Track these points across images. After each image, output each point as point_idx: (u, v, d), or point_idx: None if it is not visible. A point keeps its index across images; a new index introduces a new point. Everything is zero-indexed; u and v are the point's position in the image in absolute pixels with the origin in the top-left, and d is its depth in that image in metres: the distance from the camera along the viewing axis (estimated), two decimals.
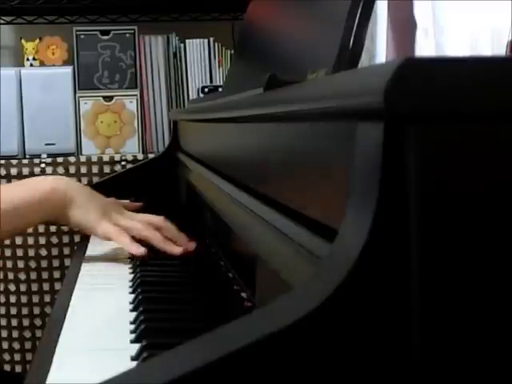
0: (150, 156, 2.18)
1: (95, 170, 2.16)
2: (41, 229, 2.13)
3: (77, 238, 2.03)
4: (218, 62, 2.26)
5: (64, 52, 2.26)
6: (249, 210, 0.85)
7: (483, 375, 0.43)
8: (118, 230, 1.13)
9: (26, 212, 1.14)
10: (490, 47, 1.65)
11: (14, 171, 2.13)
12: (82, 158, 2.17)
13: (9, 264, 2.15)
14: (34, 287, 2.18)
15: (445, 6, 1.73)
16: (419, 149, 0.42)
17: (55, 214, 1.16)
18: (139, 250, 1.12)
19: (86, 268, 1.16)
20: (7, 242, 2.09)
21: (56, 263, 2.16)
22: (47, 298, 2.18)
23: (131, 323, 0.87)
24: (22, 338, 2.18)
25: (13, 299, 2.17)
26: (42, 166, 2.14)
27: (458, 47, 1.71)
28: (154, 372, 0.43)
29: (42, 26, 2.32)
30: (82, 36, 2.23)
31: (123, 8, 2.30)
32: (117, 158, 2.18)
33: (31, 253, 2.15)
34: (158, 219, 1.21)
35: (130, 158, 2.19)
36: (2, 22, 2.34)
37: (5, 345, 2.18)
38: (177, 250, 1.18)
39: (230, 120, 1.01)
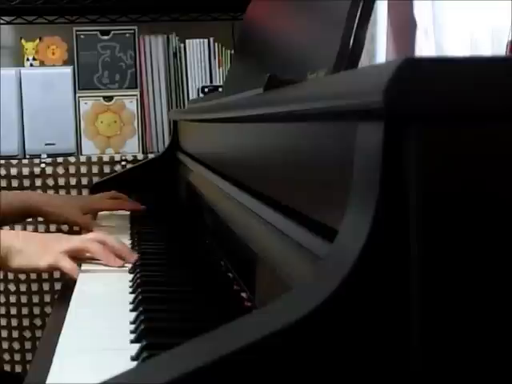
0: (150, 156, 2.18)
1: (95, 170, 2.16)
2: (41, 229, 2.13)
3: None
4: (218, 62, 2.26)
5: (64, 52, 2.26)
6: (249, 209, 0.85)
7: (483, 375, 0.43)
8: (56, 257, 1.14)
9: None
10: (490, 47, 1.65)
11: (13, 171, 2.13)
12: (82, 158, 2.17)
13: None
14: (34, 287, 2.18)
15: (445, 5, 1.73)
16: (419, 149, 0.42)
17: None
18: (77, 273, 1.13)
19: (85, 268, 1.16)
20: None
21: None
22: (47, 298, 2.18)
23: (131, 323, 0.87)
24: (22, 337, 2.19)
25: (13, 299, 2.17)
26: (42, 165, 2.14)
27: (457, 47, 1.70)
28: (154, 372, 0.43)
29: (42, 26, 2.33)
30: (82, 36, 2.23)
31: (123, 8, 2.30)
32: (117, 158, 2.18)
33: None
34: (97, 235, 1.22)
35: (130, 158, 2.19)
36: (2, 22, 2.34)
37: (5, 345, 2.19)
38: (117, 262, 1.18)
39: (230, 120, 1.01)
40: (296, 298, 0.45)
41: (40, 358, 0.79)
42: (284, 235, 0.67)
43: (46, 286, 2.18)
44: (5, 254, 1.14)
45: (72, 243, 1.16)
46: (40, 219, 2.09)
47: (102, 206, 1.74)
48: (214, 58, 2.26)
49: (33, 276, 2.17)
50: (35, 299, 2.18)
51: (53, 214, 1.61)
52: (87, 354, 0.78)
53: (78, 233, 1.60)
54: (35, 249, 1.14)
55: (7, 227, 1.93)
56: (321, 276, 0.45)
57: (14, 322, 2.18)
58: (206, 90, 2.15)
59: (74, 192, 2.15)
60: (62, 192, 2.15)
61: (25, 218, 1.75)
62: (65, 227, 2.14)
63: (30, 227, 2.12)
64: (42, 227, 2.13)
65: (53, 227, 2.13)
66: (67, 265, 1.12)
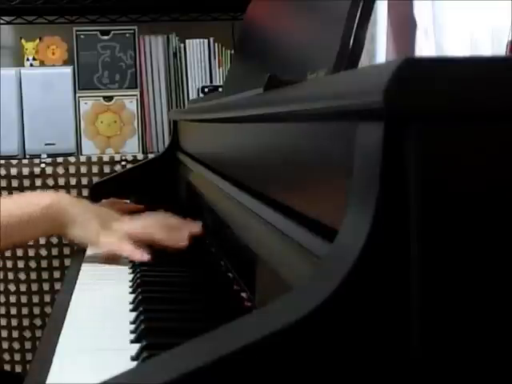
0: (150, 156, 2.18)
1: (95, 170, 2.16)
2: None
3: None
4: (218, 62, 2.26)
5: (64, 52, 2.26)
6: (249, 209, 0.85)
7: (483, 374, 0.43)
8: (119, 240, 1.13)
9: (26, 226, 1.13)
10: (490, 47, 1.65)
11: (13, 171, 2.13)
12: (82, 158, 2.17)
13: (9, 264, 2.15)
14: (34, 287, 2.18)
15: (445, 5, 1.73)
16: (419, 149, 0.42)
17: (54, 229, 1.16)
18: (143, 257, 1.12)
19: (85, 268, 1.16)
20: None
21: (56, 263, 2.17)
22: (47, 298, 2.18)
23: (131, 323, 0.87)
24: (22, 337, 2.18)
25: (13, 299, 2.17)
26: (42, 165, 2.14)
27: (457, 47, 1.70)
28: (154, 372, 0.43)
29: (42, 26, 2.33)
30: (82, 36, 2.23)
31: (123, 8, 2.30)
32: (117, 158, 2.18)
33: (31, 253, 2.15)
34: (158, 218, 1.21)
35: (130, 158, 2.19)
36: (2, 22, 2.34)
37: (5, 345, 2.19)
38: (181, 244, 1.17)
39: (230, 120, 1.01)
40: (296, 298, 0.45)
41: (40, 358, 0.79)
42: (284, 235, 0.67)
43: (46, 286, 2.18)
44: (66, 220, 1.12)
45: (134, 226, 1.14)
46: None
47: None
48: (214, 58, 2.26)
49: (33, 276, 2.17)
50: (35, 299, 2.18)
51: None
52: (87, 354, 0.78)
53: None
54: (93, 225, 1.12)
55: None
56: (321, 276, 0.45)
57: (14, 322, 2.18)
58: (206, 90, 2.15)
59: (74, 192, 2.15)
60: (62, 192, 2.15)
61: None
62: None
63: None
64: None
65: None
66: (130, 251, 1.10)
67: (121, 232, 1.13)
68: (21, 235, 1.16)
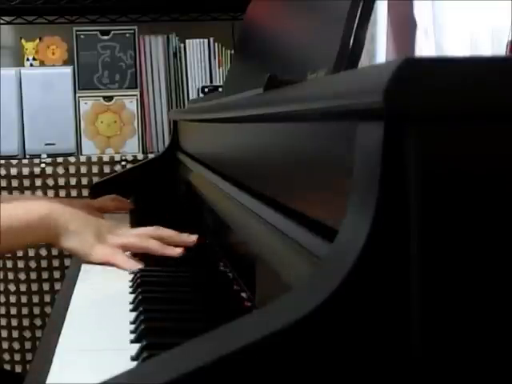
0: (150, 156, 2.18)
1: (95, 170, 2.16)
2: None
3: None
4: (218, 62, 2.26)
5: (64, 52, 2.26)
6: (249, 209, 0.85)
7: (483, 374, 0.43)
8: (112, 251, 1.13)
9: (22, 233, 1.13)
10: (490, 47, 1.65)
11: (14, 171, 2.13)
12: (82, 158, 2.17)
13: (9, 264, 2.15)
14: (34, 287, 2.18)
15: (445, 5, 1.74)
16: (419, 148, 0.42)
17: (48, 238, 1.17)
18: (136, 266, 1.12)
19: (85, 268, 1.16)
20: None
21: (56, 263, 2.17)
22: (47, 298, 2.18)
23: (131, 323, 0.87)
24: (22, 338, 2.19)
25: (13, 299, 2.17)
26: (42, 165, 2.14)
27: (457, 47, 1.71)
28: (154, 372, 0.43)
29: (42, 26, 2.33)
30: (82, 36, 2.23)
31: (123, 8, 2.30)
32: (117, 158, 2.18)
33: (31, 253, 2.15)
34: (150, 229, 1.22)
35: (130, 158, 2.19)
36: (2, 22, 2.34)
37: (5, 345, 2.19)
38: (176, 251, 1.18)
39: (230, 120, 1.01)
40: (296, 298, 0.45)
41: (40, 358, 0.79)
42: (284, 235, 0.67)
43: (45, 286, 2.18)
44: (60, 230, 1.12)
45: (128, 239, 1.15)
46: None
47: (104, 205, 1.75)
48: (214, 58, 2.26)
49: (33, 276, 2.17)
50: (35, 299, 2.18)
51: None
52: (87, 353, 0.78)
53: None
54: (88, 237, 1.13)
55: None
56: (321, 276, 0.45)
57: (14, 322, 2.18)
58: (206, 90, 2.15)
59: (73, 192, 2.15)
60: (62, 192, 2.15)
61: None
62: None
63: None
64: None
65: None
66: (123, 262, 1.11)
67: (115, 244, 1.13)
68: (17, 242, 1.16)
